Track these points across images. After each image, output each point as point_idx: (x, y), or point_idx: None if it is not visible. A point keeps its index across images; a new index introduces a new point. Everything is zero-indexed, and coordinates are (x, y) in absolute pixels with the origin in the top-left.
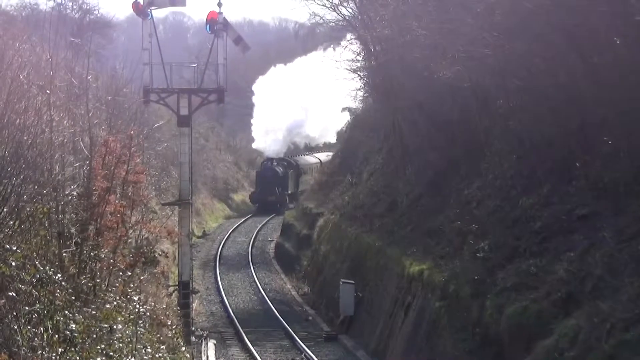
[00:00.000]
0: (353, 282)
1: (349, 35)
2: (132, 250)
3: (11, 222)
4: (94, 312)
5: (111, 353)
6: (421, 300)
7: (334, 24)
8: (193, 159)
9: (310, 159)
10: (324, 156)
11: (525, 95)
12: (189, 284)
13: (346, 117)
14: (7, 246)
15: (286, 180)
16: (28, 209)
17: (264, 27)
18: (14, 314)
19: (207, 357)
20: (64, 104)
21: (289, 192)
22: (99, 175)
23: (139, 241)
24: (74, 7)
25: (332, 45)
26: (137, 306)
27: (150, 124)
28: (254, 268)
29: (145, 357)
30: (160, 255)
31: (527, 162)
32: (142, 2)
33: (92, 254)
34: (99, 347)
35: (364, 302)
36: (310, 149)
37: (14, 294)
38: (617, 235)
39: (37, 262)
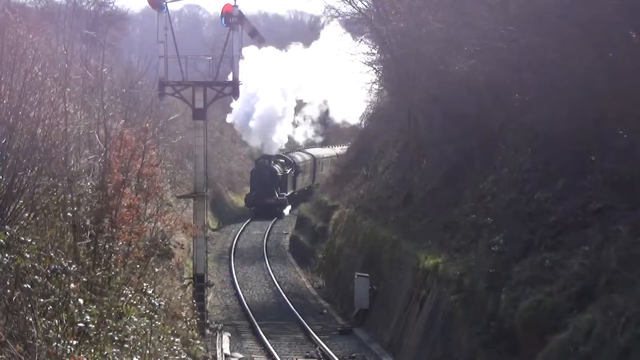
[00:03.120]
0: (368, 275)
1: (365, 29)
2: (147, 242)
3: (26, 214)
4: (108, 304)
5: (126, 345)
6: (436, 293)
7: (349, 17)
8: (208, 152)
9: (305, 156)
10: (319, 153)
11: (540, 89)
12: (203, 277)
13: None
14: (22, 238)
15: (285, 180)
16: (43, 200)
17: (279, 20)
18: (29, 305)
19: (222, 349)
20: (78, 97)
21: (288, 193)
22: (114, 168)
23: (153, 234)
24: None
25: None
26: (152, 299)
27: (166, 116)
28: (268, 261)
29: (159, 349)
30: (175, 247)
31: (542, 155)
32: None
33: (107, 246)
34: (113, 338)
35: (378, 295)
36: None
37: (29, 286)
38: (633, 230)
39: (52, 254)
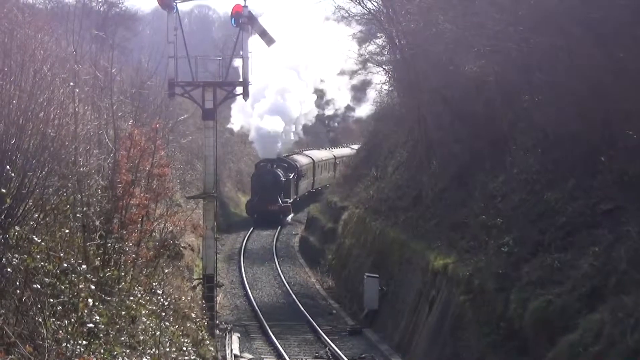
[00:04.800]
0: (377, 276)
1: (374, 29)
2: (156, 243)
3: (36, 215)
4: (118, 305)
5: (135, 345)
6: (445, 294)
7: (359, 18)
8: (218, 152)
9: (305, 159)
10: (318, 155)
11: (549, 90)
12: (213, 277)
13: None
14: (32, 238)
15: (288, 185)
16: (53, 201)
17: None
18: (39, 306)
19: (231, 350)
20: (88, 97)
21: (291, 200)
22: (124, 168)
23: (163, 234)
24: (99, 0)
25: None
26: (161, 299)
27: (175, 117)
28: (278, 261)
29: (169, 350)
30: (184, 248)
31: (552, 156)
32: None
33: (116, 246)
34: (123, 339)
35: (388, 296)
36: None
37: (39, 286)
38: None
39: (61, 255)
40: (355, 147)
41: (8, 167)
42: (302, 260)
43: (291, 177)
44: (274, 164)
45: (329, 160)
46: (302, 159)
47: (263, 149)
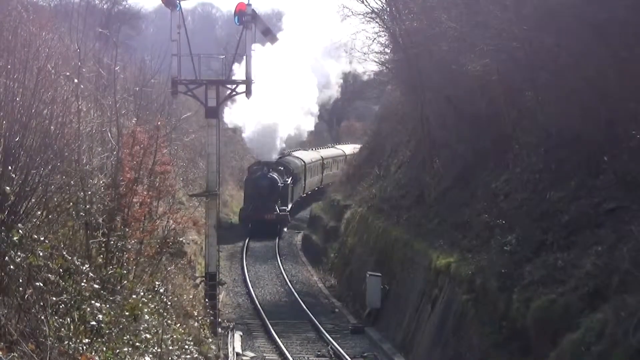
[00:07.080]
0: (380, 274)
1: (377, 28)
2: (158, 241)
3: (39, 213)
4: (120, 303)
5: (137, 344)
6: (448, 293)
7: (362, 16)
8: (220, 151)
9: (298, 161)
10: (308, 157)
11: (553, 89)
12: (215, 276)
13: None
14: (35, 236)
15: (286, 191)
16: (55, 199)
17: None
18: (41, 304)
19: (234, 348)
20: (91, 95)
21: (289, 207)
22: (126, 166)
23: (165, 232)
24: None
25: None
26: (164, 297)
27: (178, 115)
28: (280, 260)
29: (171, 348)
30: (187, 244)
31: (555, 155)
32: None
33: (119, 244)
34: (125, 337)
35: (390, 294)
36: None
37: (42, 284)
38: None
39: (64, 253)
40: (341, 147)
41: (10, 167)
42: (305, 259)
43: (288, 182)
44: (270, 168)
45: (318, 162)
46: (295, 161)
47: (260, 146)
